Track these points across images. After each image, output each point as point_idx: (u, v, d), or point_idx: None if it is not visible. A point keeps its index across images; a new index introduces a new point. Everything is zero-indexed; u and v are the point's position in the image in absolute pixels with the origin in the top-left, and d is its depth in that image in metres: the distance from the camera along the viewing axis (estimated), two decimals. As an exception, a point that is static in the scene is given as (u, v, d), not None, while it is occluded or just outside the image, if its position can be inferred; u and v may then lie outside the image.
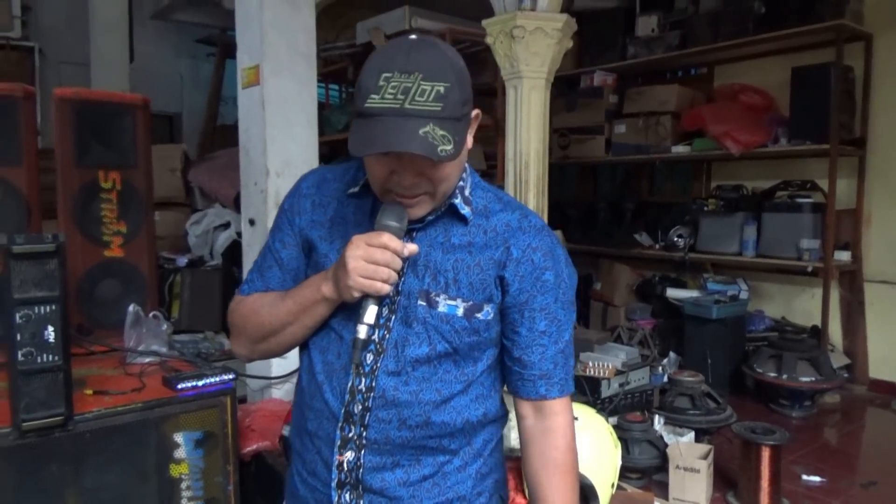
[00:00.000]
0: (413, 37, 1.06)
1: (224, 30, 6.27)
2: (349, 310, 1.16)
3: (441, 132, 1.00)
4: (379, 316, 1.14)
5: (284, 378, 2.97)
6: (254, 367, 3.05)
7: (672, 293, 4.01)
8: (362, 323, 1.07)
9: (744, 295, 4.06)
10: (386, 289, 1.07)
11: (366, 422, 1.14)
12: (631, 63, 4.89)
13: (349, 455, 1.15)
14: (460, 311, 1.14)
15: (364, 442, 1.14)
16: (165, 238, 4.34)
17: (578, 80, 5.19)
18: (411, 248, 1.10)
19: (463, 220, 1.17)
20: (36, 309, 1.73)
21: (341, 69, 5.58)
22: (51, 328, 1.75)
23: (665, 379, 2.84)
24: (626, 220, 4.90)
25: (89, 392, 2.01)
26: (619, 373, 2.76)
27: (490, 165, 4.60)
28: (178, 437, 2.02)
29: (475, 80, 5.14)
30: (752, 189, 4.39)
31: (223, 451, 2.10)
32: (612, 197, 5.27)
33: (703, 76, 4.94)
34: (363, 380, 1.14)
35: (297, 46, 2.96)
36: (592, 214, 5.09)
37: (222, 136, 6.19)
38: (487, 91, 4.96)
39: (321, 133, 3.12)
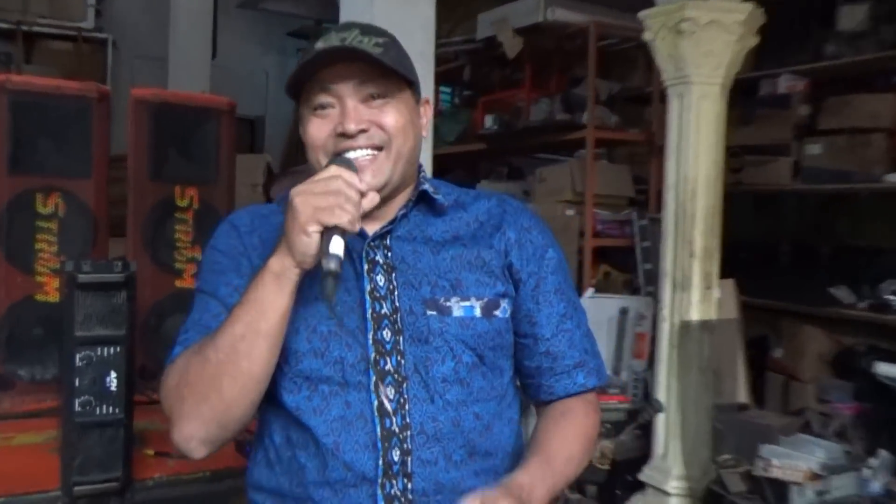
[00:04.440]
0: None
1: (319, 21, 6.53)
2: (339, 348, 1.17)
3: (383, 59, 1.15)
4: (375, 317, 1.18)
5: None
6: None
7: (884, 369, 3.70)
8: (329, 254, 1.06)
9: None
10: (346, 214, 1.07)
11: (409, 469, 1.15)
12: (830, 64, 4.64)
13: None
14: (478, 311, 1.21)
15: (411, 496, 1.16)
16: (241, 266, 4.50)
17: (757, 87, 4.99)
18: (371, 194, 1.14)
19: (437, 210, 1.26)
20: (99, 350, 1.80)
21: (456, 69, 5.66)
22: (114, 374, 1.82)
23: (878, 488, 2.61)
24: (818, 269, 4.62)
25: (150, 453, 2.07)
26: (815, 477, 2.56)
27: (639, 191, 4.49)
28: (250, 517, 2.04)
29: (623, 83, 5.08)
30: None
31: (301, 538, 2.09)
32: (799, 237, 4.99)
33: (929, 82, 4.63)
34: (393, 419, 1.16)
35: (413, 44, 2.98)
36: (772, 259, 4.84)
37: (310, 145, 6.41)
38: (638, 98, 4.88)
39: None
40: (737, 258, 4.89)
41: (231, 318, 1.13)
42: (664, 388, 2.97)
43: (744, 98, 4.90)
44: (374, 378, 1.17)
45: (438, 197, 1.27)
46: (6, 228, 2.46)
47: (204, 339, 1.16)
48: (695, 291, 2.93)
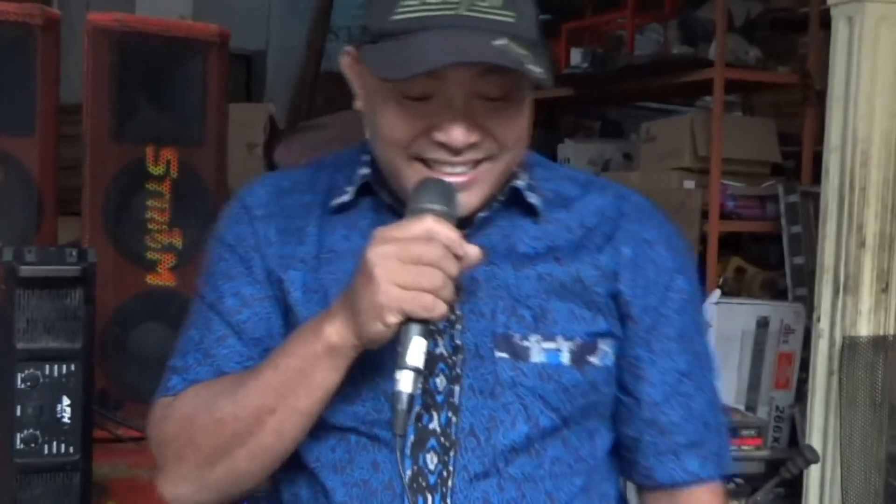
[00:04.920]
0: None
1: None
2: (373, 388, 1.16)
3: (522, 50, 1.06)
4: (428, 359, 1.09)
5: None
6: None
7: None
8: (405, 367, 1.04)
9: None
10: (440, 308, 1.04)
11: None
12: None
13: None
14: (566, 357, 1.18)
15: None
16: (235, 256, 4.56)
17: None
18: (472, 250, 1.08)
19: (530, 213, 1.22)
20: (47, 368, 1.84)
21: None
22: (66, 401, 1.86)
23: None
24: None
25: (114, 507, 2.12)
26: None
27: (788, 155, 4.44)
28: None
29: (767, 2, 5.01)
30: None
31: None
32: None
33: None
34: (430, 498, 1.15)
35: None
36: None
37: (329, 90, 6.43)
38: (789, 24, 4.82)
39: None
40: (926, 249, 4.82)
41: (261, 381, 1.15)
42: (819, 430, 2.94)
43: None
44: (413, 438, 1.17)
45: (534, 199, 1.22)
46: (-77, 203, 2.53)
47: (216, 385, 1.19)
48: (865, 296, 2.89)
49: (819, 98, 3.58)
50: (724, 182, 4.08)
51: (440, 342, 1.17)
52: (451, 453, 1.16)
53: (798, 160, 4.38)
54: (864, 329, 2.89)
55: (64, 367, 1.86)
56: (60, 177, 2.74)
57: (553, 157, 4.31)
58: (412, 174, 1.13)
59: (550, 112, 5.74)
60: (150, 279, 2.74)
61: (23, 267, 1.84)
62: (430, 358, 1.13)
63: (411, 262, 1.04)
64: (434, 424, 1.17)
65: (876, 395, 2.87)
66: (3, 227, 2.57)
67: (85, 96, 2.74)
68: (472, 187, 1.14)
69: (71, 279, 1.87)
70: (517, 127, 1.15)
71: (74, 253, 1.90)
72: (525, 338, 1.17)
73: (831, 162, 3.00)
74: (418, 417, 1.16)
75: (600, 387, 1.21)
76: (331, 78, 6.55)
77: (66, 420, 1.87)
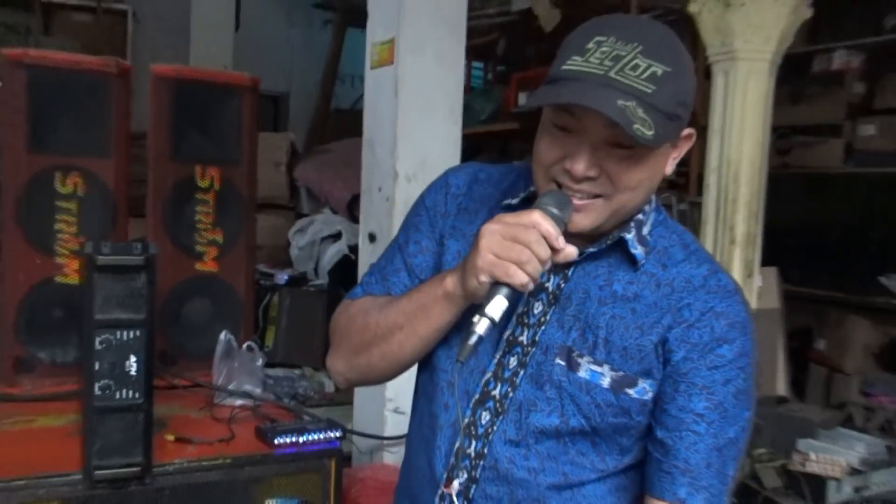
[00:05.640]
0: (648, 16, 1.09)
1: (346, -8, 6.55)
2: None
3: (643, 115, 1.03)
4: (511, 339, 1.18)
5: (400, 439, 3.02)
6: (365, 424, 3.12)
7: (936, 363, 3.69)
8: (483, 315, 1.08)
9: None
10: (520, 277, 1.07)
11: (470, 495, 1.20)
12: (890, 39, 4.58)
13: None
14: (605, 382, 1.17)
15: None
16: (264, 248, 4.56)
17: (809, 62, 4.93)
18: (569, 249, 1.11)
19: (632, 262, 1.20)
20: (118, 334, 1.86)
21: (489, 43, 5.65)
22: (133, 358, 1.87)
23: (924, 487, 2.61)
24: (868, 257, 4.58)
25: (170, 437, 2.13)
26: (854, 472, 2.58)
27: (680, 173, 4.47)
28: (271, 505, 2.09)
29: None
30: None
31: (323, 528, 2.15)
32: (850, 223, 4.95)
33: None
34: (473, 442, 1.20)
35: (443, 13, 3.01)
36: (820, 246, 4.81)
37: (336, 122, 6.45)
38: (681, 75, 4.84)
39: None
40: (782, 245, 4.85)
41: (399, 305, 1.23)
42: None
43: (794, 74, 4.84)
44: (478, 396, 1.21)
45: (636, 252, 1.19)
46: (26, 208, 2.52)
47: (378, 300, 1.31)
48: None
49: (703, 131, 3.61)
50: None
51: (525, 333, 1.21)
52: (500, 418, 1.20)
53: (687, 177, 4.43)
54: (735, 305, 2.92)
55: (131, 333, 1.89)
56: (130, 188, 2.74)
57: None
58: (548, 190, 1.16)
59: (505, 141, 5.75)
60: (199, 266, 2.77)
61: (100, 257, 1.86)
62: (514, 342, 1.21)
63: (509, 240, 1.08)
64: (496, 392, 1.20)
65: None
66: (87, 227, 2.58)
67: (150, 128, 2.75)
68: (585, 211, 1.14)
69: (137, 266, 1.89)
70: (634, 175, 1.11)
71: (140, 246, 1.92)
72: (581, 356, 1.18)
73: (710, 179, 3.05)
74: (487, 382, 1.21)
75: (633, 414, 1.18)
76: (337, 114, 6.57)
77: (133, 373, 1.89)
